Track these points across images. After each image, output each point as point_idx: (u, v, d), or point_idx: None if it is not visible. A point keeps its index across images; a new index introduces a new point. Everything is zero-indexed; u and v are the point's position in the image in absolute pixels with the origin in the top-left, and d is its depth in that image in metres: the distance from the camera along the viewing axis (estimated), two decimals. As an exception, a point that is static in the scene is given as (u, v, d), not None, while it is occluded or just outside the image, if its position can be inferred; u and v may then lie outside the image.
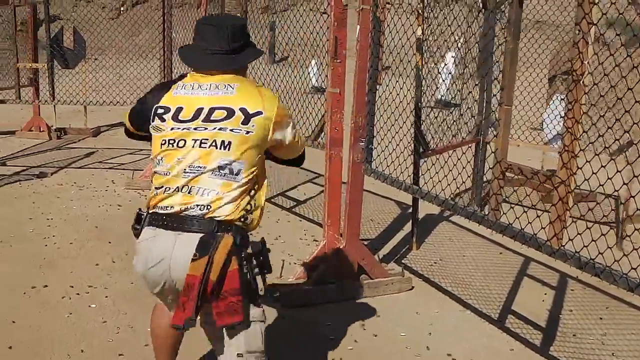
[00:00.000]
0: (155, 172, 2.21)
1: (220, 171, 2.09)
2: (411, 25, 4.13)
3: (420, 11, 4.22)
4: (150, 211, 2.20)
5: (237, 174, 2.10)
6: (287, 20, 4.92)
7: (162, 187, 2.16)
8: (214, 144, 2.10)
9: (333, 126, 3.85)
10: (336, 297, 3.80)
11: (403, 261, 4.58)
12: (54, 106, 8.13)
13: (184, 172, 2.12)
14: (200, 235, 2.06)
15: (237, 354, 2.13)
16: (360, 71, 3.77)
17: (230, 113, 2.12)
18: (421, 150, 4.27)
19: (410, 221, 4.95)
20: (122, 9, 17.80)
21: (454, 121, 5.09)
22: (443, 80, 7.64)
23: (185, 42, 6.23)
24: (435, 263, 4.60)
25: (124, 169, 7.11)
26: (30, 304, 3.66)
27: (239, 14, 5.30)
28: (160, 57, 6.27)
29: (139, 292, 3.53)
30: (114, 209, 5.56)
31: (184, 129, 2.14)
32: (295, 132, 2.33)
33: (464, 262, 4.63)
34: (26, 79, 8.23)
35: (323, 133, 4.14)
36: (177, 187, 2.13)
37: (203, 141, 2.11)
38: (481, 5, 5.23)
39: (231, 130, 2.10)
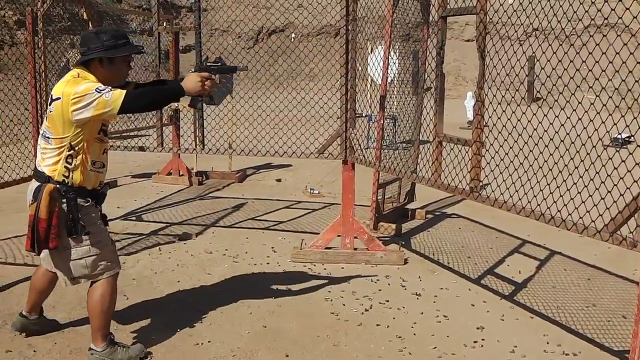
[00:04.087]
0: None
1: (43, 136, 3.06)
2: None
3: None
4: None
5: (48, 139, 3.02)
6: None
7: None
8: (46, 117, 3.09)
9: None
10: None
11: None
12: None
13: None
14: (37, 184, 3.04)
15: (71, 278, 3.11)
16: None
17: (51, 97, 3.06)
18: None
19: None
20: (258, 37, 17.00)
21: None
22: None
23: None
24: None
25: (283, 231, 5.73)
26: None
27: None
28: (341, 87, 4.57)
29: None
30: (284, 296, 4.10)
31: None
32: (96, 102, 2.88)
33: None
34: (165, 117, 7.22)
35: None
36: None
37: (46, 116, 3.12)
38: None
39: (46, 110, 3.09)
